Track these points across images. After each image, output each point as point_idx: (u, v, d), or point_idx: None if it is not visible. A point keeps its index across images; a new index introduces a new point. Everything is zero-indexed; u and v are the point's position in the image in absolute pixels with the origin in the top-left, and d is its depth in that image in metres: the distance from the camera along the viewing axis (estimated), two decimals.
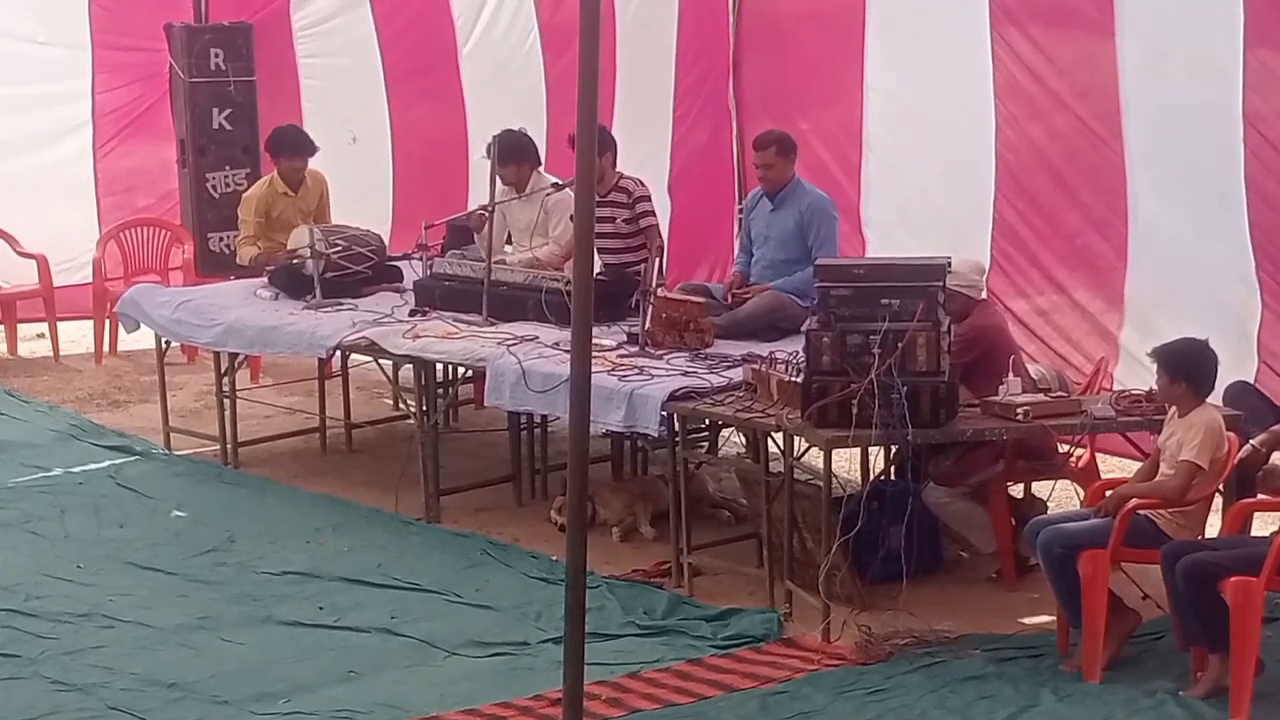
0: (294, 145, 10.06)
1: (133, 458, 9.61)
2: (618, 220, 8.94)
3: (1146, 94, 8.30)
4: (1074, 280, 8.80)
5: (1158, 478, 6.59)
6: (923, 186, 9.40)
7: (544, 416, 8.58)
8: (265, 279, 9.74)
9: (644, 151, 10.37)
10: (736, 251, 9.09)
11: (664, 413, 7.39)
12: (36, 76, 12.00)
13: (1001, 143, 8.95)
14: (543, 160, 9.52)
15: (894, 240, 9.33)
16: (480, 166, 10.18)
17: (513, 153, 9.11)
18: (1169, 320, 7.94)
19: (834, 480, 7.01)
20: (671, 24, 10.60)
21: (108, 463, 9.50)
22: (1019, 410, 6.94)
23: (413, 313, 8.94)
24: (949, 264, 7.07)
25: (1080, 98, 8.62)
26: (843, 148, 9.75)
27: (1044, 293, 8.92)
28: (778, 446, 7.23)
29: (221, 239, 11.67)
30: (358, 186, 11.14)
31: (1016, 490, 7.77)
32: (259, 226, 9.86)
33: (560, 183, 9.06)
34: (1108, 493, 6.66)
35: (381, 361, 9.09)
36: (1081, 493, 7.29)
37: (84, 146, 12.19)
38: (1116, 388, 7.78)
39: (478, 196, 10.24)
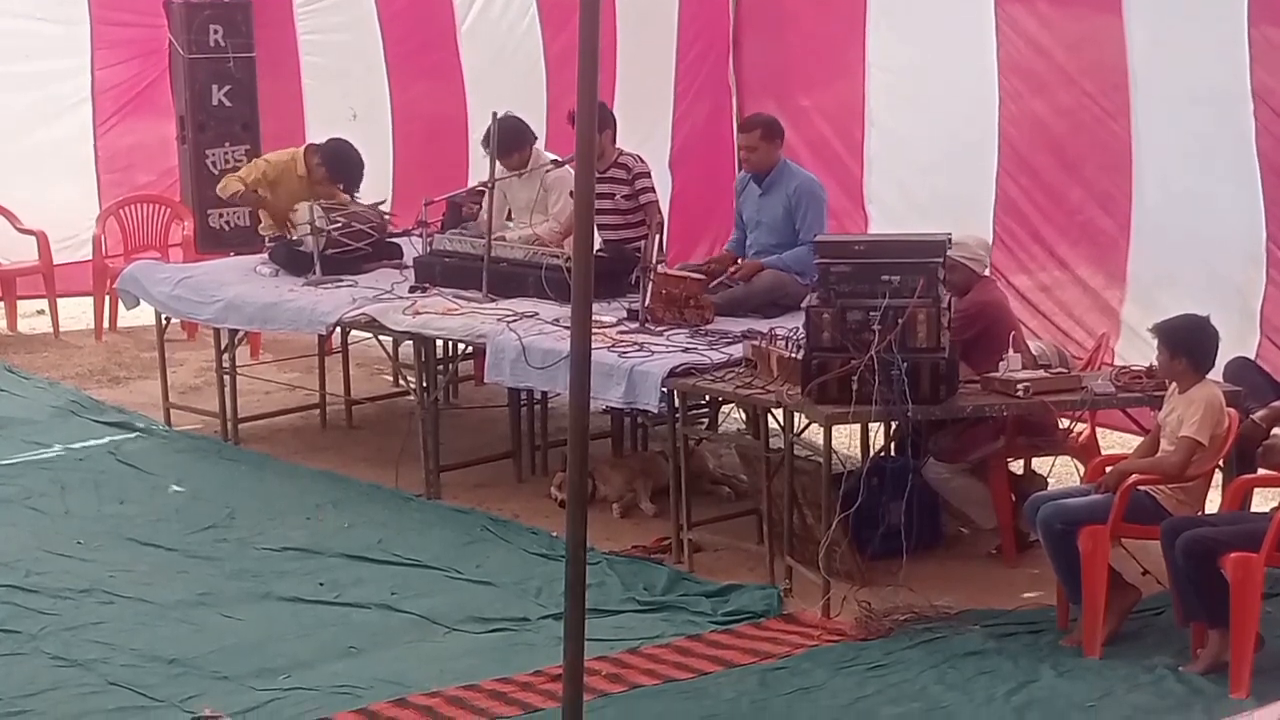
0: (349, 177, 9.78)
1: (133, 434, 9.61)
2: (617, 197, 8.92)
3: (1154, 69, 8.28)
4: (1076, 256, 8.79)
5: (1158, 454, 6.59)
6: (925, 163, 9.39)
7: (544, 393, 8.57)
8: (265, 255, 9.75)
9: (645, 129, 10.36)
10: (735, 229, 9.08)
11: (664, 389, 7.39)
12: (35, 53, 11.99)
13: (1005, 118, 8.93)
14: (542, 138, 9.51)
15: (897, 216, 9.33)
16: (478, 147, 10.16)
17: (514, 140, 9.08)
18: (1171, 296, 7.94)
19: (834, 456, 7.01)
20: (672, 1, 10.58)
21: (108, 439, 9.50)
22: (1019, 386, 6.94)
23: (413, 289, 8.93)
24: (950, 240, 7.07)
25: (1086, 73, 8.60)
26: (845, 124, 9.72)
27: (1046, 268, 8.91)
28: (778, 423, 7.23)
29: (221, 215, 11.67)
30: None
31: (1017, 466, 7.78)
32: (258, 183, 9.77)
33: (560, 160, 9.06)
34: (1108, 469, 6.66)
35: (381, 338, 9.11)
36: (1082, 469, 7.29)
37: (84, 123, 12.18)
38: (1118, 363, 7.77)
39: (477, 175, 10.22)
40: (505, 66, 11.36)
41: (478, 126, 11.10)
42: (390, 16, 11.85)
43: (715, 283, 8.38)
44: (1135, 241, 8.46)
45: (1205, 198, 8.18)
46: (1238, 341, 7.63)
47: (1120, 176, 8.47)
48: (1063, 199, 8.81)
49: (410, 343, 8.56)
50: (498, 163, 9.02)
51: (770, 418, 7.32)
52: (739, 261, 8.58)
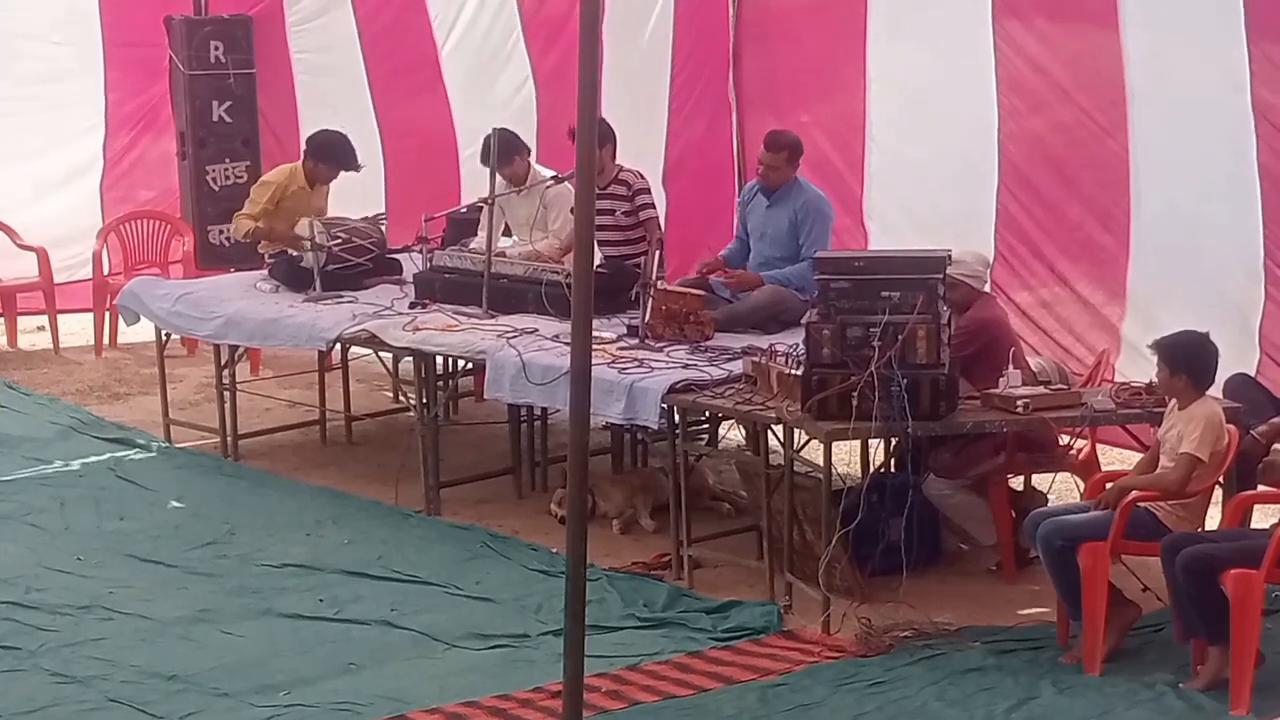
0: (344, 159, 9.79)
1: (133, 450, 9.61)
2: (617, 213, 8.94)
3: (1152, 86, 8.28)
4: (1076, 272, 8.79)
5: (1158, 470, 6.59)
6: (926, 179, 9.38)
7: (544, 409, 8.57)
8: (265, 271, 9.75)
9: (636, 144, 10.34)
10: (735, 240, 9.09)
11: (664, 405, 7.40)
12: (47, 76, 12.00)
13: (1004, 135, 8.94)
14: (533, 157, 9.53)
15: (897, 232, 9.33)
16: (470, 164, 10.13)
17: (505, 150, 9.10)
18: (1171, 312, 7.94)
19: (834, 472, 7.01)
20: (667, 16, 10.58)
21: (108, 455, 9.50)
22: (1019, 403, 6.94)
23: (413, 305, 8.94)
24: (949, 256, 7.08)
25: (1084, 89, 8.61)
26: (845, 140, 9.72)
27: (1047, 285, 8.91)
28: (778, 439, 7.23)
29: (221, 231, 11.66)
30: (350, 183, 11.11)
31: (1017, 483, 7.77)
32: (265, 211, 9.79)
33: (560, 175, 9.07)
34: (1108, 485, 6.66)
35: (381, 354, 9.10)
36: (1082, 485, 7.29)
37: (95, 144, 12.18)
38: (1118, 379, 7.77)
39: (470, 193, 10.22)
40: (491, 87, 11.36)
41: (466, 145, 11.16)
42: (371, 38, 11.84)
43: (705, 268, 8.67)
44: (1135, 257, 8.46)
45: (1204, 214, 8.19)
46: (1237, 358, 7.63)
47: (1119, 193, 8.48)
48: (1063, 215, 8.81)
49: (410, 359, 8.56)
50: (498, 178, 9.04)
51: (770, 434, 7.32)
52: (727, 268, 8.64)
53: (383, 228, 9.77)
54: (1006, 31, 8.85)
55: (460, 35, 11.51)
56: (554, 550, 7.71)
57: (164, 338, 9.77)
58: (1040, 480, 7.93)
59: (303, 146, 10.10)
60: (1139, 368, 7.82)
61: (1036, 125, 8.87)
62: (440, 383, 8.87)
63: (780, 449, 7.22)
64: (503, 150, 9.07)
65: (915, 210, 9.44)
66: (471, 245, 9.32)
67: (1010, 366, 7.15)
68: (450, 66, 11.57)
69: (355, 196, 10.47)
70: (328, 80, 11.98)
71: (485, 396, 8.60)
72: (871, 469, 7.86)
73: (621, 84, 10.57)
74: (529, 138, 9.87)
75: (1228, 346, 6.96)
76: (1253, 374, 7.73)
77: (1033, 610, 7.11)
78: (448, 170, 11.36)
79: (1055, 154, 8.80)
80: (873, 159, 9.63)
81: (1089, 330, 8.66)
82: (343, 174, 9.87)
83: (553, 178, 9.17)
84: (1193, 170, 8.19)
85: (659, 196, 10.16)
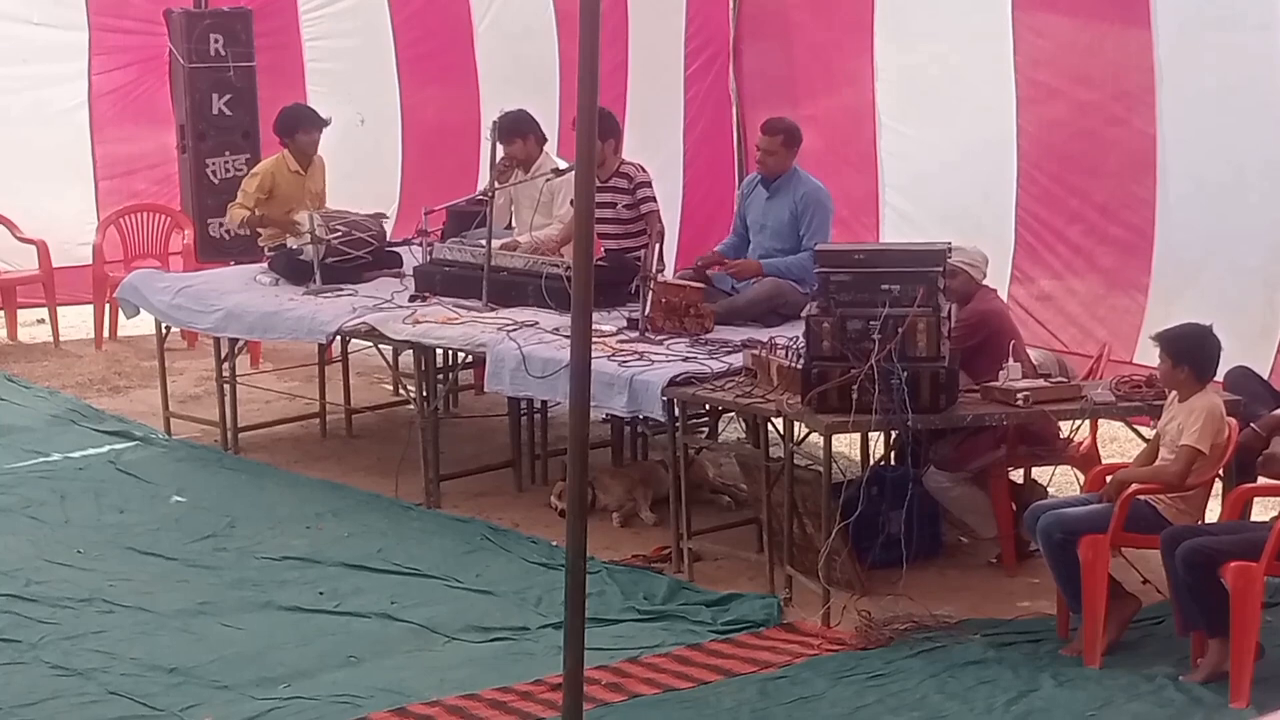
0: (309, 119, 9.94)
1: (133, 443, 9.61)
2: (618, 206, 8.92)
3: (1181, 70, 8.24)
4: (1100, 258, 8.76)
5: (1158, 463, 6.59)
6: (941, 167, 9.35)
7: (544, 402, 8.58)
8: (265, 264, 9.75)
9: (656, 141, 10.33)
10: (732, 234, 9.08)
11: (664, 398, 7.39)
12: (32, 58, 11.98)
13: (1024, 119, 8.89)
14: (553, 143, 9.52)
15: (916, 223, 9.31)
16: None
17: (518, 127, 9.10)
18: (1194, 295, 7.92)
19: (834, 465, 7.01)
20: (680, 8, 10.57)
21: (108, 448, 9.50)
22: (1019, 395, 6.94)
23: (413, 298, 8.94)
24: (949, 249, 7.08)
25: (1108, 73, 8.57)
26: (856, 132, 9.69)
27: (1072, 270, 8.89)
28: (778, 432, 7.22)
29: (221, 224, 11.65)
30: (364, 169, 11.12)
31: (1017, 475, 7.77)
32: (258, 201, 9.81)
33: (562, 167, 9.06)
34: (1108, 478, 6.66)
35: (381, 347, 9.09)
36: (1082, 478, 7.30)
37: (81, 129, 12.16)
38: (1139, 361, 7.74)
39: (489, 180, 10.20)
40: (519, 71, 11.33)
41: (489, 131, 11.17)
42: (404, 19, 11.84)
43: (702, 263, 8.62)
44: (1159, 242, 8.42)
45: (1230, 196, 8.16)
46: (1261, 340, 7.64)
47: (1143, 176, 8.43)
48: (1087, 199, 8.78)
49: (410, 352, 8.56)
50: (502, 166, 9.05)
51: (770, 427, 7.32)
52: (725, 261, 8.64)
53: (383, 223, 9.79)
54: (1026, 16, 8.79)
55: (494, 16, 11.51)
56: (554, 543, 7.72)
57: (164, 331, 9.77)
58: (1040, 473, 7.93)
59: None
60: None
61: (1058, 109, 8.85)
62: (440, 376, 8.88)
63: (780, 442, 7.22)
64: (517, 127, 9.07)
65: (931, 200, 9.41)
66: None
67: (1010, 359, 7.15)
68: (483, 49, 11.55)
69: (370, 181, 10.44)
70: (346, 66, 11.95)
71: (485, 389, 8.58)
72: (871, 462, 7.86)
73: (643, 77, 10.56)
74: (549, 126, 9.85)
75: (1252, 328, 6.95)
76: (1274, 352, 7.70)
77: (1033, 603, 7.11)
78: (469, 155, 11.31)
79: (1079, 137, 8.78)
80: (885, 150, 9.60)
81: (1110, 314, 8.64)
82: (356, 162, 9.88)
83: (555, 170, 9.16)
84: (1217, 156, 8.16)
85: (679, 190, 10.14)
